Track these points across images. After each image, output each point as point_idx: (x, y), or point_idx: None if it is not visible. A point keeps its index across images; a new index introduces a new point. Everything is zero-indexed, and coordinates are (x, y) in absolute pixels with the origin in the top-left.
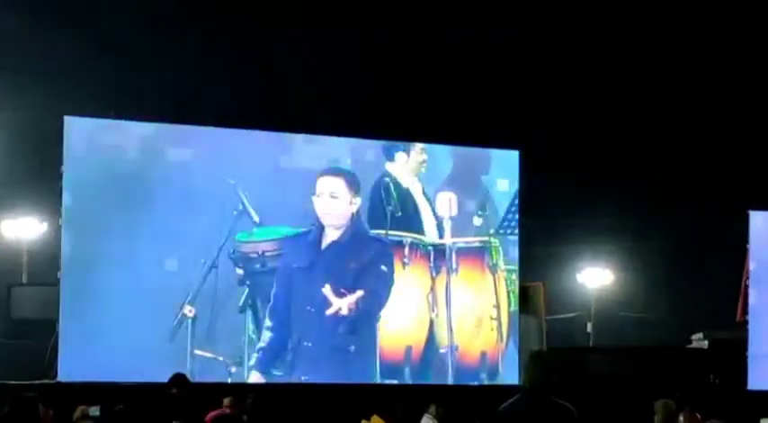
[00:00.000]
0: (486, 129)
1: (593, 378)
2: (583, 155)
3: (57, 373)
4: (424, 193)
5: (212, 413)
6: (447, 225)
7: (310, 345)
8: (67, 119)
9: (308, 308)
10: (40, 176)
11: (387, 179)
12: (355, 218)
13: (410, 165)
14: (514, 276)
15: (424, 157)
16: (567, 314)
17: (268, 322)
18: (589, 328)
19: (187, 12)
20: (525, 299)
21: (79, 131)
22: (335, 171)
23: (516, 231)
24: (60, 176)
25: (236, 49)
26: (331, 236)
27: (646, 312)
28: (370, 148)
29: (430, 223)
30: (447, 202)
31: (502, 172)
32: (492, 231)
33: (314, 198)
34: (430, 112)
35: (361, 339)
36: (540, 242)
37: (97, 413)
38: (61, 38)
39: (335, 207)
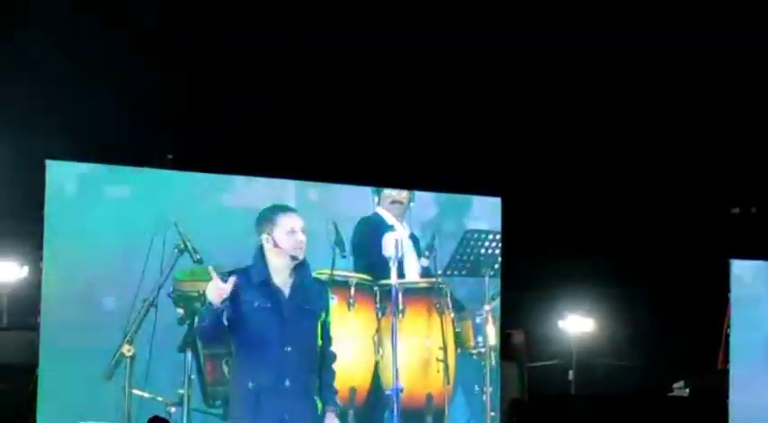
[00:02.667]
0: (468, 174)
1: None
2: (566, 201)
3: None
4: (371, 233)
5: None
6: (393, 266)
7: (288, 384)
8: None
9: (286, 348)
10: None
11: (332, 220)
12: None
13: (382, 207)
14: (466, 317)
15: (399, 199)
16: (548, 361)
17: (210, 365)
18: (570, 375)
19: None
20: (507, 346)
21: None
22: (289, 208)
23: (464, 272)
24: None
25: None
26: (285, 278)
27: (627, 360)
28: (314, 188)
29: (376, 264)
30: (393, 243)
31: (467, 216)
32: (440, 272)
33: (281, 235)
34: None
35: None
36: (522, 288)
37: None
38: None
39: (304, 240)
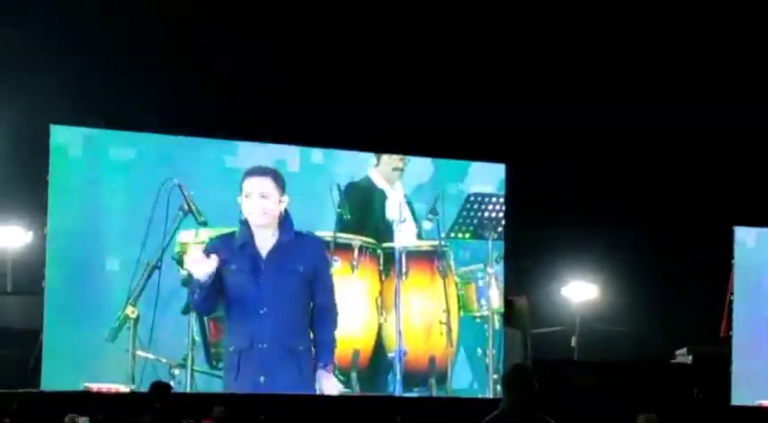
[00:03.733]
0: (473, 140)
1: (577, 391)
2: (571, 169)
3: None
4: (384, 197)
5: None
6: (397, 228)
7: (264, 346)
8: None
9: (261, 310)
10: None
11: (336, 182)
12: (285, 218)
13: (379, 170)
14: (469, 280)
15: (399, 166)
16: (551, 328)
17: (215, 324)
18: (573, 341)
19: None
20: (510, 312)
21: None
22: (262, 171)
23: (468, 235)
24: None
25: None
26: (266, 237)
27: (630, 327)
28: (318, 151)
29: (380, 227)
30: (397, 206)
31: (472, 181)
32: (443, 235)
33: (244, 201)
34: (407, 123)
35: (308, 339)
36: (526, 255)
37: None
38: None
39: (266, 205)
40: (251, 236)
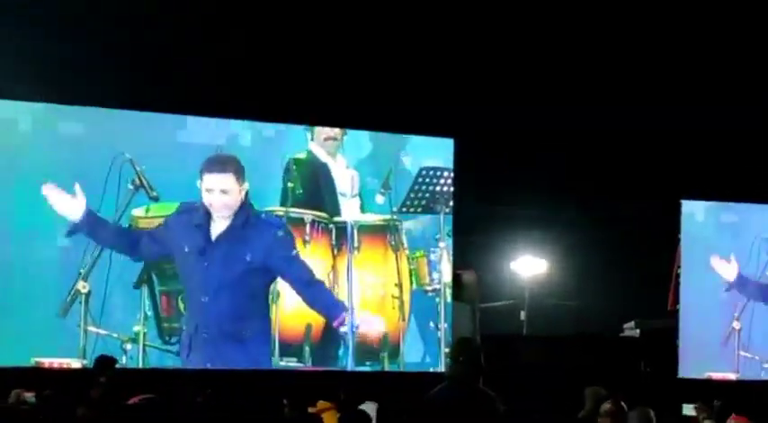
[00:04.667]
0: (422, 115)
1: (526, 365)
2: (520, 144)
3: None
4: (329, 171)
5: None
6: (349, 203)
7: (206, 335)
8: None
9: (203, 298)
10: None
11: (288, 156)
12: (244, 204)
13: (317, 143)
14: (419, 254)
15: (333, 135)
16: (500, 302)
17: (165, 301)
18: (523, 316)
19: None
20: (458, 286)
21: None
22: (223, 166)
23: (420, 209)
24: None
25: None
26: (220, 223)
27: (579, 301)
28: (270, 126)
29: (332, 201)
30: (349, 180)
31: (422, 155)
32: (395, 209)
33: (204, 192)
34: (355, 97)
35: (258, 323)
36: (475, 230)
37: (33, 399)
38: None
39: (227, 200)
40: (208, 219)
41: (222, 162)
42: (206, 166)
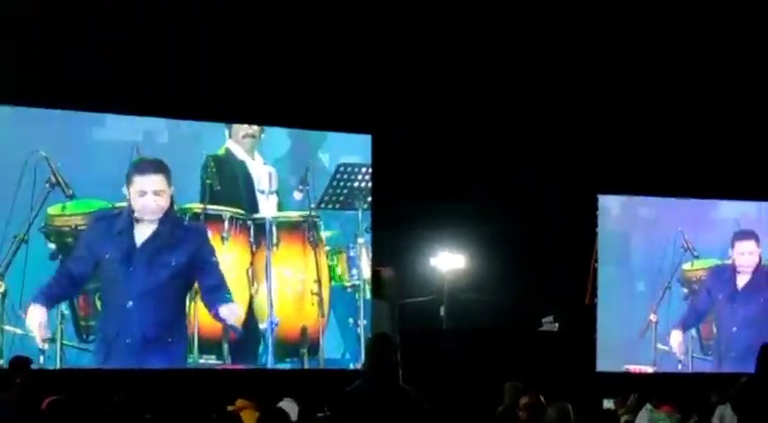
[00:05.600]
0: (339, 112)
1: (446, 360)
2: (438, 140)
3: None
4: (247, 168)
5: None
6: (267, 200)
7: (129, 340)
8: None
9: (128, 304)
10: None
11: (206, 153)
12: (170, 208)
13: (235, 140)
14: (338, 250)
15: (251, 132)
16: (420, 298)
17: (84, 297)
18: (442, 311)
19: None
20: (377, 283)
21: None
22: (156, 168)
23: (338, 206)
24: None
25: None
26: (145, 228)
27: (498, 296)
28: (185, 123)
29: (250, 198)
30: (267, 177)
31: (340, 151)
32: (313, 206)
33: (134, 196)
34: (273, 94)
35: (181, 327)
36: (394, 226)
37: None
38: None
39: (161, 202)
40: (131, 225)
41: (154, 164)
42: (136, 168)
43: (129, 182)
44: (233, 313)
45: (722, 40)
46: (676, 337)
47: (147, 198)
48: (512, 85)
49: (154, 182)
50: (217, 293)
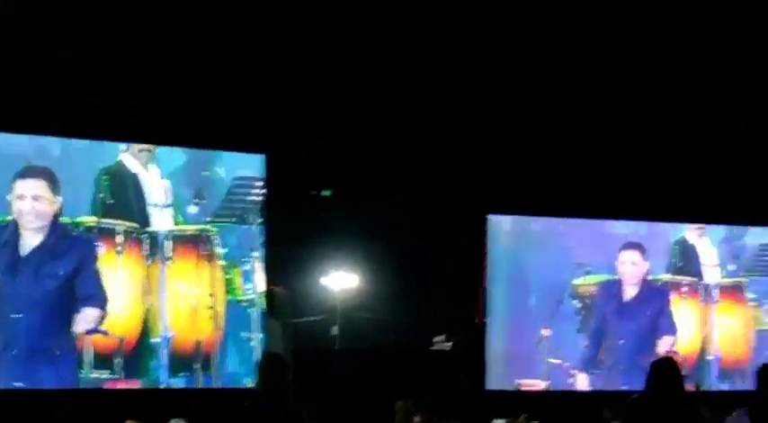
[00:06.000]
0: (232, 131)
1: (339, 380)
2: (331, 159)
3: None
4: (141, 181)
5: None
6: (162, 213)
7: (15, 352)
8: None
9: (14, 315)
10: None
11: (99, 166)
12: (57, 219)
13: (130, 153)
14: (233, 264)
15: (147, 146)
16: (313, 317)
17: None
18: (335, 330)
19: None
20: (270, 302)
21: None
22: (36, 173)
23: (233, 220)
24: None
25: None
26: (31, 238)
27: (391, 315)
28: (78, 139)
29: (144, 211)
30: (162, 190)
31: (237, 165)
32: (208, 219)
33: (15, 200)
34: (166, 114)
35: (69, 339)
36: (288, 243)
37: None
38: None
39: (39, 207)
40: (17, 235)
41: (36, 169)
42: (18, 174)
43: (11, 190)
44: (89, 318)
45: (610, 60)
46: (568, 351)
47: (26, 202)
48: (400, 104)
49: (33, 186)
50: (88, 302)
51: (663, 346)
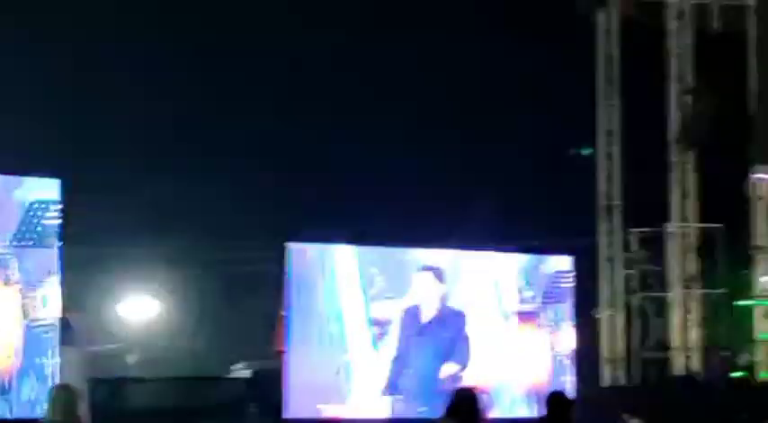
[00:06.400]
0: (26, 157)
1: (135, 409)
2: (127, 187)
3: None
4: None
5: None
6: None
7: None
8: None
9: None
10: None
11: None
12: None
13: None
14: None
15: None
16: (109, 345)
17: None
18: (131, 359)
19: None
20: (66, 329)
21: None
22: None
23: (32, 243)
24: None
25: None
26: None
27: (190, 343)
28: None
29: None
30: None
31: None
32: (6, 244)
33: None
34: None
35: None
36: (86, 269)
37: None
38: None
39: None
40: None
41: None
42: None
43: None
44: None
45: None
46: (369, 377)
47: None
48: (192, 135)
49: None
50: None
51: (456, 370)
